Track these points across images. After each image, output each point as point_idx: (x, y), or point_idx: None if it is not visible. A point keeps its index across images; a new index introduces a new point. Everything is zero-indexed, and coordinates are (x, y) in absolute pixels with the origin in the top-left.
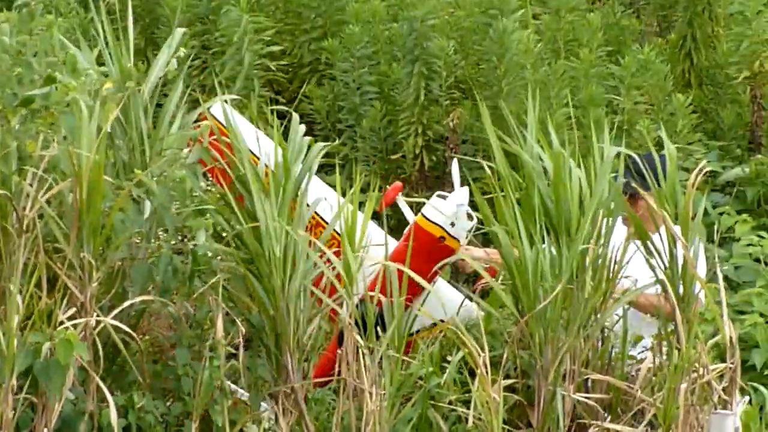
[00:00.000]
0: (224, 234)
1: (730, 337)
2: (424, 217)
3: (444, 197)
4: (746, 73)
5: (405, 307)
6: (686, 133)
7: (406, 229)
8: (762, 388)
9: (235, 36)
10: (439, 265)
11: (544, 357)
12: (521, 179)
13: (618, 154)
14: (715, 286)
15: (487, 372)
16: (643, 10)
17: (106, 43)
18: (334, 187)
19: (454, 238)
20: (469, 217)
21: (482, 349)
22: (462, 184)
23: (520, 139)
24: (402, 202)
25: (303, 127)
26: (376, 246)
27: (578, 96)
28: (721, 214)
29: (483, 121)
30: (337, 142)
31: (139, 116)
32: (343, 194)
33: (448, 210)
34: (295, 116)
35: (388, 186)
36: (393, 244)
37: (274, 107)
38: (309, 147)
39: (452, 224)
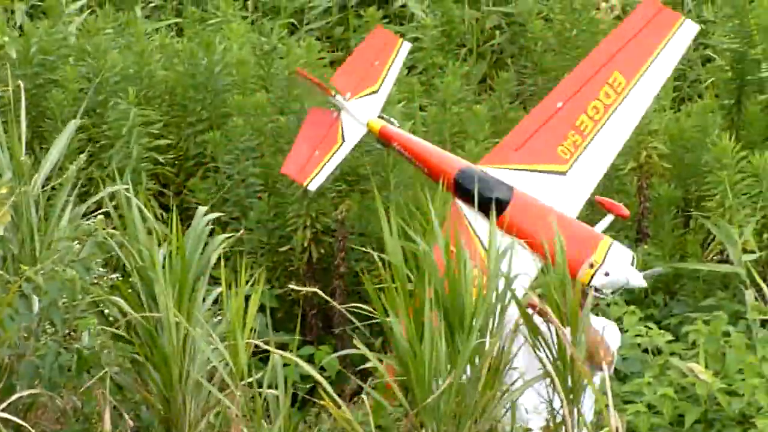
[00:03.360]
0: (116, 326)
1: (617, 428)
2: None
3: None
4: (632, 164)
5: None
6: None
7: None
8: None
9: (124, 129)
10: None
11: None
12: (414, 270)
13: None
14: (603, 377)
15: None
16: (530, 102)
17: None
18: None
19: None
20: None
21: None
22: None
23: (413, 232)
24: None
25: (206, 218)
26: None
27: None
28: (608, 305)
29: (378, 212)
30: (223, 235)
31: (30, 211)
32: (229, 287)
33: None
34: (201, 209)
35: (275, 279)
36: None
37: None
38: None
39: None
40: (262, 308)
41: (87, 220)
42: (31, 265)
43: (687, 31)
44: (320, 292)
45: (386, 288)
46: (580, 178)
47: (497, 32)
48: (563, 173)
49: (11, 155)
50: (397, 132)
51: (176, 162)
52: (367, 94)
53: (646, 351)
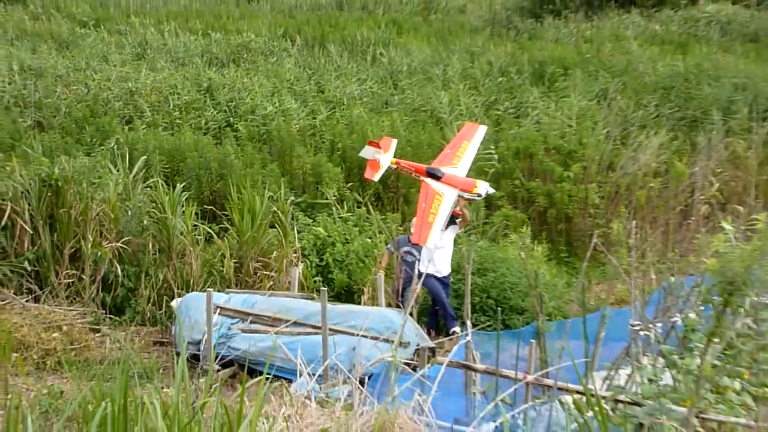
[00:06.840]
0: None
1: (301, 248)
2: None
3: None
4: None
5: None
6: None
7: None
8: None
9: (153, 161)
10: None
11: (247, 256)
12: (242, 203)
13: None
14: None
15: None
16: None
17: None
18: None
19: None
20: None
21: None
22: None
23: (245, 192)
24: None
25: (179, 187)
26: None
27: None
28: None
29: (229, 185)
30: (184, 193)
31: (129, 186)
32: (185, 206)
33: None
34: (179, 186)
35: (199, 204)
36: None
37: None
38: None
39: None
40: (196, 213)
41: (145, 188)
42: (128, 201)
43: (483, 129)
44: (215, 210)
45: (234, 207)
46: (461, 169)
47: None
48: (456, 167)
49: (123, 170)
50: (401, 161)
51: (171, 170)
52: (385, 154)
53: None
